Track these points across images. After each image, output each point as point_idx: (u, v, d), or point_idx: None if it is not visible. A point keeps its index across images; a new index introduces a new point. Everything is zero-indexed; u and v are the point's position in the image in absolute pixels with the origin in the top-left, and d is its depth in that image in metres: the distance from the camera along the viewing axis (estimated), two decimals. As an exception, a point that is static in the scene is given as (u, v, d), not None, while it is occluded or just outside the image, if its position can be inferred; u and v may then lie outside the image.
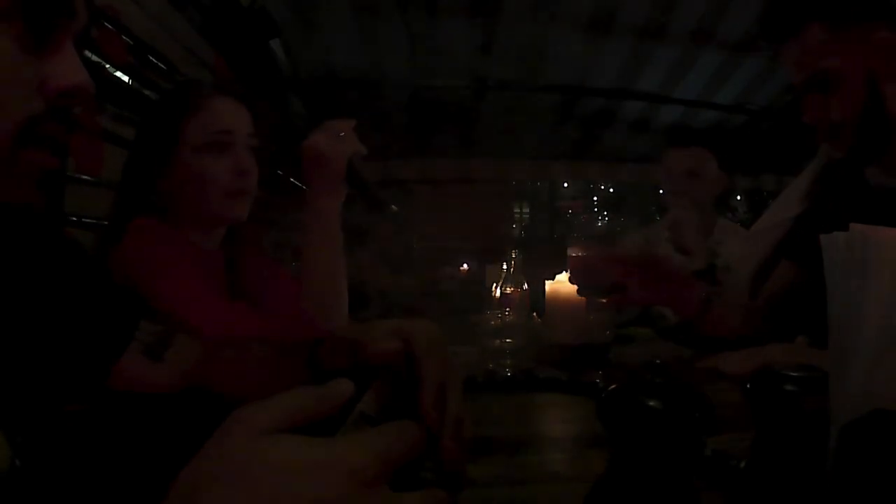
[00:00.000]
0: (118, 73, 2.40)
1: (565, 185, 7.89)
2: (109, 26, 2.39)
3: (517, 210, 7.16)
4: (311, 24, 4.30)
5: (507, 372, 1.47)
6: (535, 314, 1.88)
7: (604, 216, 8.78)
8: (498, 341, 1.55)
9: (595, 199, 8.90)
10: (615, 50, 4.65)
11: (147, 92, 2.53)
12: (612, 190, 8.66)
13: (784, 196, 1.98)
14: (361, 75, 4.83)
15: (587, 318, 1.56)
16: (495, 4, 4.15)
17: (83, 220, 2.08)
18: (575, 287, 1.56)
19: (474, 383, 1.37)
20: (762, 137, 5.50)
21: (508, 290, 1.85)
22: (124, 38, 2.47)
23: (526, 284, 1.85)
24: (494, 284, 2.49)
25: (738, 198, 6.30)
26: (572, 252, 1.41)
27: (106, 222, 1.49)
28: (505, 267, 1.90)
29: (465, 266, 4.04)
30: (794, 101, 2.78)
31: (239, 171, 1.48)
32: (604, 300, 1.47)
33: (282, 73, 4.40)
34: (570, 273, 1.45)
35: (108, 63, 2.35)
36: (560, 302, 1.62)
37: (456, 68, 4.82)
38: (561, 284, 1.63)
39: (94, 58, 2.30)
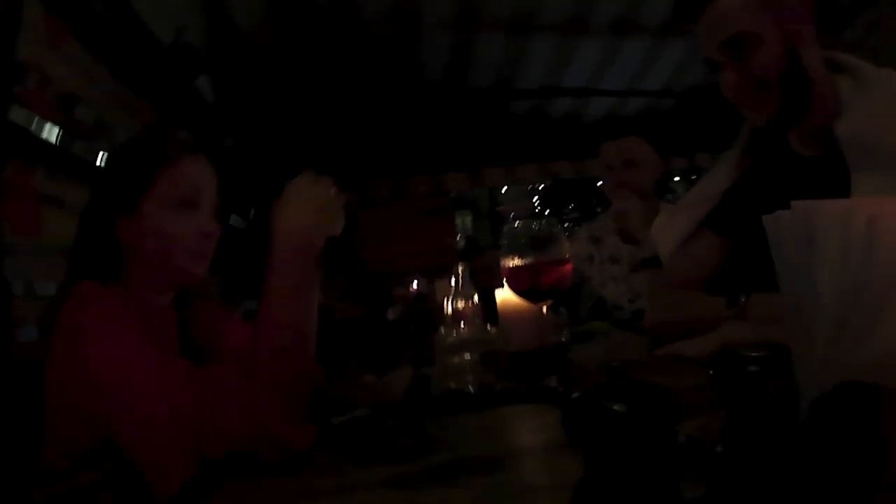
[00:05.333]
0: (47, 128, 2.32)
1: (503, 190, 7.93)
2: (33, 82, 2.31)
3: (459, 221, 7.14)
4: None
5: (470, 388, 1.43)
6: (488, 325, 1.85)
7: (544, 216, 8.84)
8: (456, 358, 1.52)
9: (535, 199, 8.97)
10: (538, 49, 4.67)
11: (77, 145, 2.47)
12: (546, 189, 8.75)
13: (711, 172, 1.98)
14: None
15: (540, 323, 1.53)
16: (415, 16, 4.13)
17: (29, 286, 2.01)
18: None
19: (439, 403, 1.33)
20: (692, 118, 5.56)
21: (460, 305, 1.82)
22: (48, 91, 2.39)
23: (476, 297, 1.82)
24: (445, 299, 2.46)
25: (676, 179, 6.36)
26: (505, 262, 1.38)
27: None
28: (453, 281, 1.87)
29: (415, 285, 3.99)
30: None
31: (204, 233, 1.43)
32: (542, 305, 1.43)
33: (211, 113, 4.31)
34: (507, 283, 1.42)
35: (36, 117, 2.28)
36: (511, 310, 1.60)
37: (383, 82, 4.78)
38: (509, 293, 1.61)
39: (17, 116, 2.23)
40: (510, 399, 1.32)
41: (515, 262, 1.33)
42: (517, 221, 1.28)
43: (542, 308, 1.42)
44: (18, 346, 1.91)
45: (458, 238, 6.40)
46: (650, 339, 1.85)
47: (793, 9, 1.49)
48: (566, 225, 8.80)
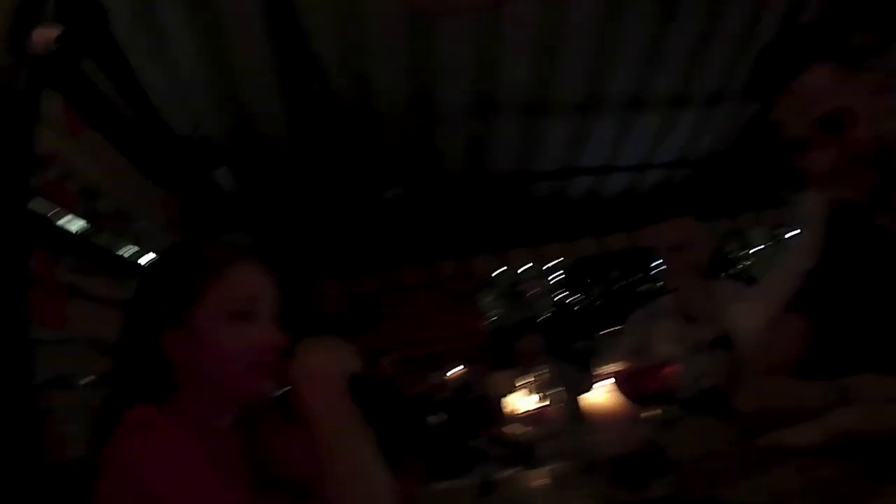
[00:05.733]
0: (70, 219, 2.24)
1: (519, 270, 7.84)
2: (54, 173, 2.25)
3: (483, 302, 7.00)
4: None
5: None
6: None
7: (562, 292, 8.73)
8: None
9: (550, 279, 8.85)
10: (554, 131, 4.62)
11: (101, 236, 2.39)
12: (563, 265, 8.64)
13: (790, 249, 1.84)
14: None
15: (636, 421, 1.37)
16: (430, 105, 4.08)
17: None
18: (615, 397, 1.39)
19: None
20: (709, 185, 5.49)
21: (539, 404, 1.65)
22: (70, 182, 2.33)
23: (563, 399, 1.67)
24: (505, 396, 2.29)
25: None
26: (614, 367, 1.24)
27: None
28: (532, 380, 1.71)
29: (458, 369, 3.82)
30: (735, 144, 2.68)
31: (266, 347, 1.24)
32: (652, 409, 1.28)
33: (231, 204, 4.21)
34: (618, 386, 1.27)
35: (58, 209, 2.19)
36: (604, 410, 1.43)
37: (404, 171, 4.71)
38: (596, 398, 1.45)
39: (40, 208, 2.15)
40: None
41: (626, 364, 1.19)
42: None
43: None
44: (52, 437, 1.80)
45: (485, 321, 6.27)
46: (740, 428, 1.68)
47: (878, 84, 1.39)
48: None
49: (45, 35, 2.06)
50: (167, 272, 1.28)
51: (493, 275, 7.49)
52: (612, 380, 1.27)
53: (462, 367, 3.40)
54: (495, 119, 4.37)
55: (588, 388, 1.45)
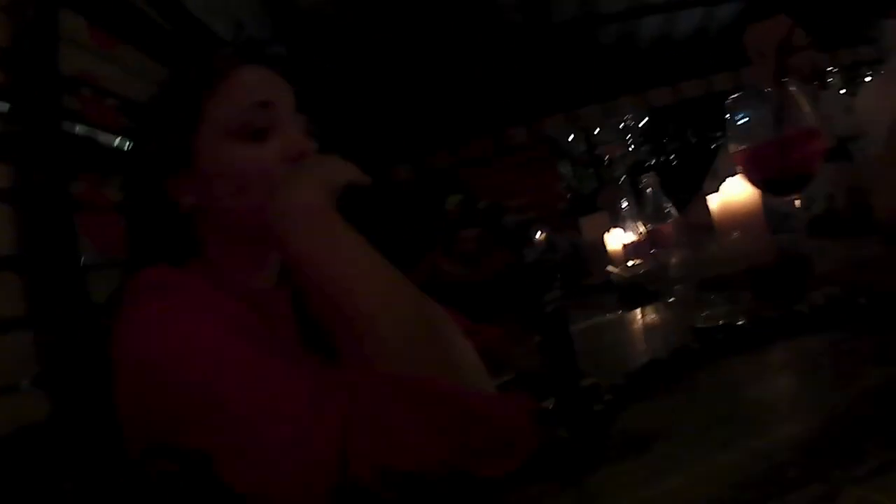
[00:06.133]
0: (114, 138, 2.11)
1: (596, 132, 7.48)
2: (89, 93, 2.11)
3: (563, 170, 6.74)
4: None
5: (724, 322, 0.94)
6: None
7: (645, 148, 8.37)
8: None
9: (629, 136, 8.47)
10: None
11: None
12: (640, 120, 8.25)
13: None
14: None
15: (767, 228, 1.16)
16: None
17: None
18: (747, 192, 1.18)
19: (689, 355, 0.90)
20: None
21: (645, 229, 1.45)
22: (109, 101, 2.18)
23: (674, 210, 1.46)
24: (606, 233, 2.11)
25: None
26: (738, 148, 1.02)
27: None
28: (625, 204, 1.51)
29: (541, 233, 3.65)
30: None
31: (293, 156, 0.99)
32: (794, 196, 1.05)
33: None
34: (745, 174, 1.05)
35: (100, 130, 2.08)
36: (733, 215, 1.22)
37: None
38: (725, 199, 1.24)
39: (80, 129, 2.07)
40: (782, 331, 0.92)
41: (752, 143, 0.97)
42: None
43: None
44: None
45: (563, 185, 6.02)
46: (886, 236, 1.45)
47: None
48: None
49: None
50: (160, 99, 1.06)
51: (567, 139, 7.20)
52: (739, 170, 1.05)
53: (541, 231, 3.23)
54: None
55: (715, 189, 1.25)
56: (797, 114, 0.97)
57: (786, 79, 0.98)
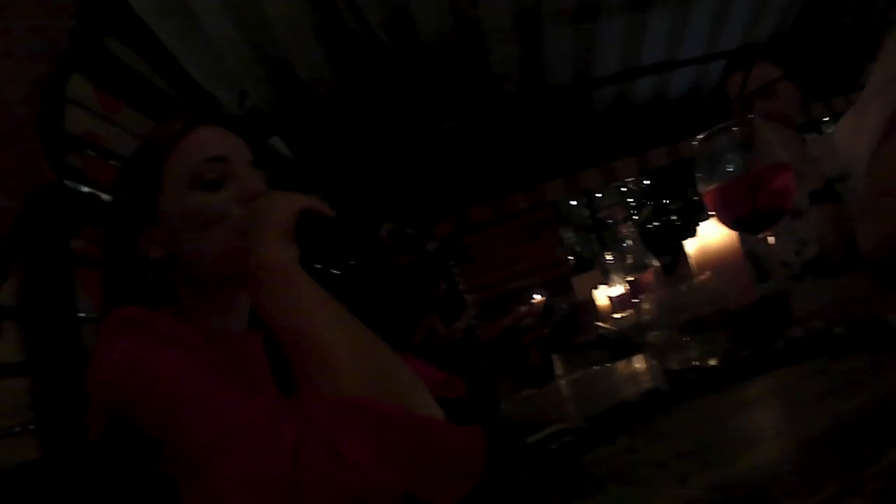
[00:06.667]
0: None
1: (598, 196, 7.50)
2: (93, 153, 2.18)
3: (565, 236, 6.73)
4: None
5: (711, 362, 0.97)
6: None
7: (647, 206, 8.38)
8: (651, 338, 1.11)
9: (630, 200, 8.49)
10: (606, 33, 4.29)
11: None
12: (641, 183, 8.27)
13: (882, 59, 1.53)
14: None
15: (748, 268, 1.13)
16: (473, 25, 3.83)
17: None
18: (723, 234, 1.16)
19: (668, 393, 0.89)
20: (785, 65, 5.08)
21: (629, 280, 1.44)
22: (112, 162, 2.24)
23: (655, 261, 1.45)
24: (594, 289, 2.10)
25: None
26: (706, 189, 1.00)
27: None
28: (609, 259, 1.51)
29: (538, 297, 3.65)
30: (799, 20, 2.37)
31: (246, 199, 1.02)
32: (765, 233, 1.03)
33: (293, 168, 4.07)
34: (718, 214, 1.04)
35: (101, 190, 2.12)
36: (712, 257, 1.20)
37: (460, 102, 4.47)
38: (702, 242, 1.22)
39: (85, 188, 2.10)
40: (757, 368, 0.88)
41: (720, 182, 0.95)
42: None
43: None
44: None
45: (563, 248, 5.98)
46: (874, 270, 1.41)
47: None
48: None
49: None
50: (131, 161, 1.11)
51: (569, 205, 7.23)
52: (712, 214, 1.03)
53: (541, 295, 3.26)
54: (545, 30, 4.07)
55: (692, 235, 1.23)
56: (764, 150, 0.95)
57: (751, 116, 0.97)
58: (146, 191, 1.05)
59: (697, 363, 0.90)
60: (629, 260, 1.68)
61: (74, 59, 2.17)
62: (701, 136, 1.02)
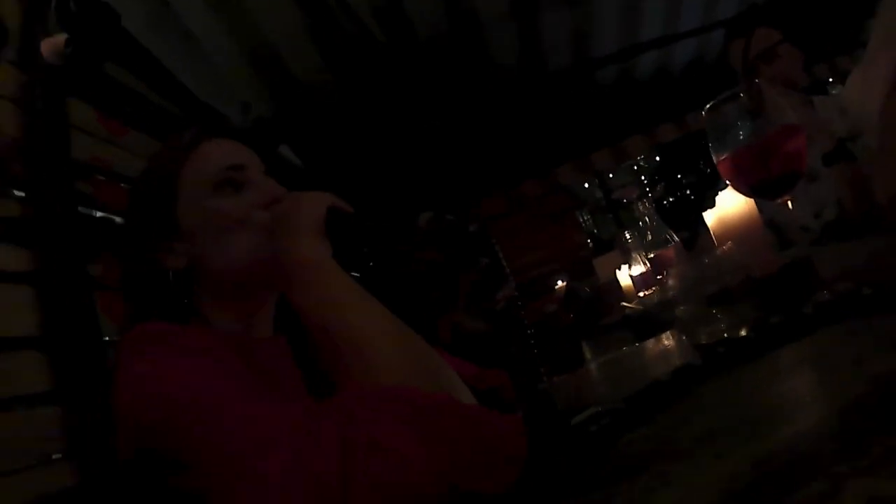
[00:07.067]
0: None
1: (610, 176, 7.46)
2: (102, 177, 2.19)
3: (581, 219, 6.70)
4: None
5: (743, 333, 0.94)
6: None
7: (659, 184, 8.34)
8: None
9: (643, 177, 8.45)
10: (605, 11, 4.25)
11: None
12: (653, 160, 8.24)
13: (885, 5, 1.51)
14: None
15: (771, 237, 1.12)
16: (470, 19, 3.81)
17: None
18: (742, 203, 1.15)
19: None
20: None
21: (649, 258, 1.43)
22: (122, 185, 2.24)
23: (675, 236, 1.44)
24: (617, 269, 2.08)
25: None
26: (721, 158, 0.99)
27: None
28: (628, 238, 1.50)
29: (561, 283, 3.65)
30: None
31: (268, 200, 1.04)
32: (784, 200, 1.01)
33: (304, 175, 4.07)
34: (732, 183, 1.02)
35: (114, 214, 2.14)
36: (732, 228, 1.19)
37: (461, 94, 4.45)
38: (721, 213, 1.21)
39: (98, 213, 2.13)
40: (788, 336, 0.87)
41: (732, 150, 0.94)
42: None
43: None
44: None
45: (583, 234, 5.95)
46: (892, 224, 1.39)
47: None
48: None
49: (53, 44, 1.99)
50: (143, 177, 1.12)
51: (583, 188, 7.20)
52: (728, 179, 1.02)
53: (563, 280, 3.26)
54: (541, 15, 4.04)
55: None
56: (774, 114, 0.94)
57: (756, 81, 0.96)
58: (162, 203, 1.06)
59: (727, 335, 0.89)
60: (648, 237, 1.67)
61: (75, 86, 2.19)
62: (708, 106, 1.01)
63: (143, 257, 1.06)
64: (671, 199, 8.22)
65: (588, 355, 1.78)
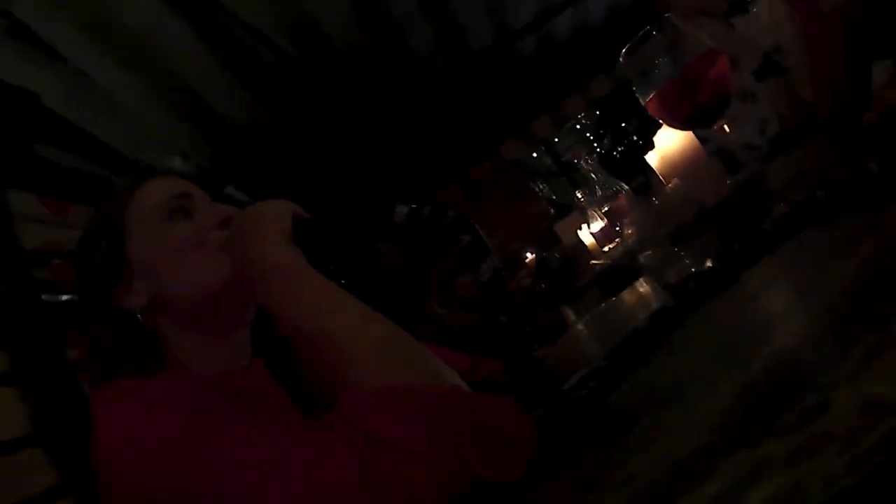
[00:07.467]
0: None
1: (556, 140, 7.45)
2: (59, 260, 2.18)
3: (538, 188, 6.69)
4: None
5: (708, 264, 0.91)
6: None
7: (605, 137, 8.34)
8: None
9: (588, 134, 8.45)
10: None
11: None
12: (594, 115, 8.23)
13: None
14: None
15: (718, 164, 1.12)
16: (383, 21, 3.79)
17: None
18: (680, 138, 1.14)
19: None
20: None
21: (604, 210, 1.43)
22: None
23: (623, 185, 1.44)
24: (579, 231, 2.08)
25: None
26: (648, 98, 0.99)
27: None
28: (580, 197, 1.49)
29: (530, 255, 3.64)
30: None
31: (221, 221, 1.02)
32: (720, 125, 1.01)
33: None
34: (664, 120, 1.02)
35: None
36: (679, 162, 1.18)
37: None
38: (662, 153, 1.20)
39: (64, 297, 2.08)
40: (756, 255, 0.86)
41: (656, 88, 0.94)
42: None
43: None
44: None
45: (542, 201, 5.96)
46: (830, 130, 1.40)
47: None
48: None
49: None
50: (87, 234, 1.08)
51: (532, 158, 7.18)
52: (660, 118, 1.01)
53: (531, 253, 3.25)
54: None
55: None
56: (691, 44, 0.94)
57: (667, 15, 0.95)
58: (110, 247, 1.02)
59: (694, 270, 0.89)
60: (598, 193, 1.67)
61: (11, 176, 2.15)
62: (624, 51, 1.00)
63: (105, 305, 1.01)
64: (620, 149, 8.23)
65: (572, 318, 1.78)
